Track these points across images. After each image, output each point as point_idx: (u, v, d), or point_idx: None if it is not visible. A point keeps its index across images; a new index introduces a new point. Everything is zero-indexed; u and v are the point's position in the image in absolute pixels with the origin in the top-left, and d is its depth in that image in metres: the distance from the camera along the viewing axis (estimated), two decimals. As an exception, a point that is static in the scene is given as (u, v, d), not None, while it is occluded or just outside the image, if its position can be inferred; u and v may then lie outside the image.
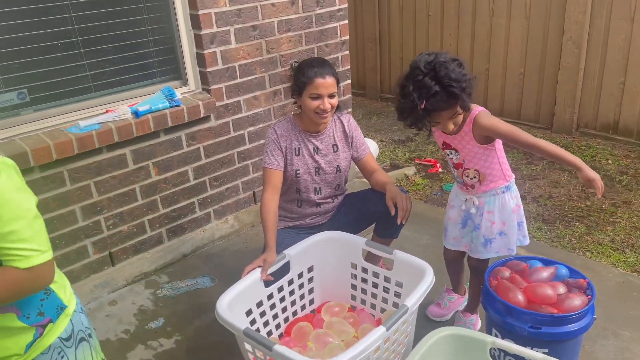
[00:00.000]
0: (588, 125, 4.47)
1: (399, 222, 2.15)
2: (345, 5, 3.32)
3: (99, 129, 2.44)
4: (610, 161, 4.00)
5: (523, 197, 2.99)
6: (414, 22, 5.46)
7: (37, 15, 2.35)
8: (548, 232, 3.14)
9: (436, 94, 1.75)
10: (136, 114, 2.54)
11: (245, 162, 3.12)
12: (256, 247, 3.04)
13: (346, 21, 3.36)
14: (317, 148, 2.33)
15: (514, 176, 2.08)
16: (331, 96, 2.18)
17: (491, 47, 4.88)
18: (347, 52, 3.45)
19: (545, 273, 1.91)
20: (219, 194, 3.07)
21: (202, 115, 2.78)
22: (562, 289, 1.83)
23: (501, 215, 2.03)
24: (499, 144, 1.99)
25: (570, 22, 4.26)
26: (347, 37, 3.40)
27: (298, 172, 2.32)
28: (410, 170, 4.11)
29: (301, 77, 2.19)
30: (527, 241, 2.12)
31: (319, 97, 2.16)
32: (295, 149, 2.30)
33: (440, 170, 4.15)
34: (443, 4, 5.13)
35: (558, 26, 4.36)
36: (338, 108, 2.30)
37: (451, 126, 1.88)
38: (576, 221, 3.27)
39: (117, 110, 2.54)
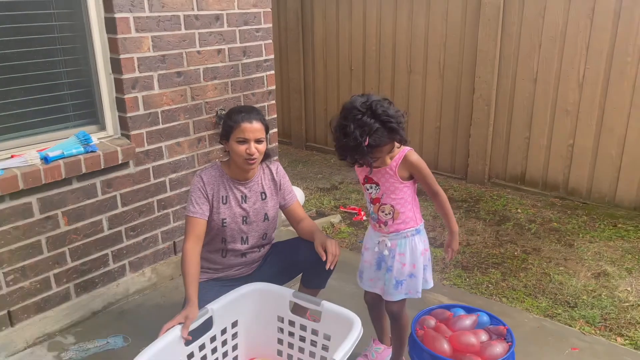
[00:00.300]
0: (499, 176, 4.77)
1: (327, 268, 2.12)
2: (272, 57, 3.37)
3: (2, 175, 2.23)
4: (519, 210, 4.26)
5: (443, 245, 3.08)
6: (337, 76, 5.66)
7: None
8: (467, 279, 3.24)
9: (377, 130, 1.84)
10: (45, 159, 2.37)
11: (165, 211, 2.99)
12: (175, 301, 2.87)
13: (273, 71, 3.40)
14: (245, 196, 2.27)
15: (423, 221, 2.18)
16: (258, 141, 2.16)
17: (409, 102, 5.14)
18: (274, 102, 3.47)
19: (468, 321, 1.94)
20: (135, 245, 2.89)
21: (120, 162, 2.64)
22: (484, 337, 1.87)
23: (411, 257, 2.11)
24: (414, 186, 2.10)
25: (480, 81, 4.60)
26: (273, 87, 3.43)
27: (225, 221, 2.24)
28: (335, 218, 4.13)
29: (229, 121, 2.17)
30: (430, 285, 2.18)
31: (245, 141, 2.14)
32: (222, 197, 2.24)
33: (364, 218, 4.21)
34: (364, 60, 5.38)
35: (469, 84, 4.70)
36: (267, 156, 2.28)
37: (389, 161, 1.98)
38: (492, 268, 3.41)
39: (23, 155, 2.35)
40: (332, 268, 2.15)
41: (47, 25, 2.49)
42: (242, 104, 3.23)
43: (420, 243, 2.12)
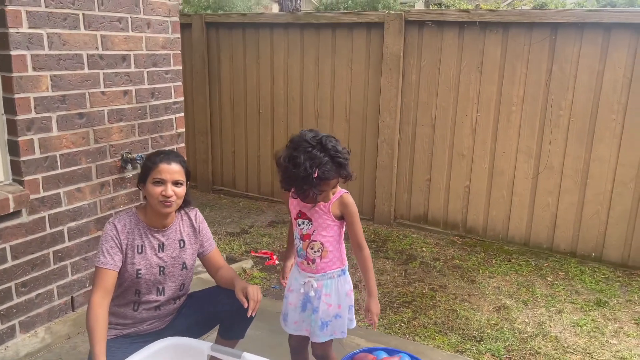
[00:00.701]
0: (403, 216, 4.98)
1: (249, 315, 2.04)
2: (182, 99, 3.29)
3: None
4: (424, 249, 4.45)
5: (355, 286, 3.12)
6: (245, 119, 5.66)
7: None
8: (381, 319, 3.29)
9: (326, 163, 1.91)
10: None
11: (63, 263, 2.73)
12: (73, 363, 2.59)
13: (182, 114, 3.32)
14: (162, 244, 2.15)
15: (347, 263, 2.23)
16: (176, 183, 2.07)
17: (317, 145, 5.24)
18: (183, 144, 3.37)
19: (391, 363, 1.96)
20: (27, 302, 2.60)
21: (11, 210, 2.39)
22: (408, 379, 1.89)
23: (338, 298, 2.15)
24: (342, 228, 2.15)
25: (383, 126, 4.83)
26: (183, 130, 3.34)
27: (140, 271, 2.09)
28: (247, 264, 4.03)
29: (147, 162, 2.09)
30: (354, 324, 2.24)
31: (161, 182, 2.04)
32: (137, 246, 2.09)
33: (277, 262, 4.15)
34: (273, 103, 5.44)
35: (374, 129, 4.91)
36: (187, 203, 2.19)
37: (330, 195, 2.02)
38: (403, 307, 3.49)
39: None
40: (253, 315, 2.08)
41: None
42: (150, 147, 3.10)
43: (346, 284, 2.17)
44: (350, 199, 2.10)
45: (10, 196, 2.37)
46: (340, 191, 2.10)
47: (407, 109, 4.75)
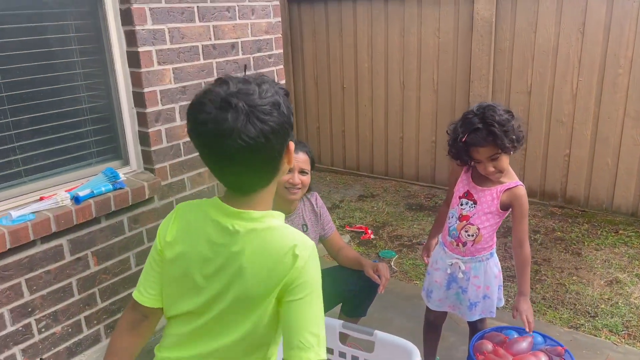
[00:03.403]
0: (497, 187, 4.87)
1: (379, 291, 2.14)
2: (284, 81, 3.37)
3: (34, 219, 2.15)
4: (522, 220, 4.35)
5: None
6: (328, 93, 5.69)
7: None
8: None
9: (477, 130, 1.92)
10: (76, 199, 2.29)
11: (188, 243, 2.93)
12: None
13: (284, 81, 3.39)
14: None
15: (495, 246, 2.22)
16: (302, 172, 2.16)
17: (404, 117, 5.22)
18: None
19: (525, 343, 1.97)
20: (160, 280, 2.82)
21: (146, 197, 2.58)
22: (544, 359, 1.90)
23: (485, 280, 2.16)
24: (501, 221, 2.13)
25: (474, 95, 4.70)
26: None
27: None
28: (344, 239, 4.13)
29: None
30: (502, 303, 2.27)
31: (289, 170, 2.13)
32: None
33: (372, 236, 4.22)
34: (357, 77, 5.43)
35: (464, 99, 4.80)
36: (308, 189, 2.27)
37: (491, 168, 1.99)
38: (507, 281, 3.46)
39: (53, 197, 2.27)
40: (382, 292, 2.16)
41: (70, 61, 2.43)
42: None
43: (495, 267, 2.18)
44: (522, 192, 2.05)
45: (145, 184, 2.56)
46: (515, 182, 2.07)
47: (500, 76, 4.59)
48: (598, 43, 4.08)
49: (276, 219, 1.25)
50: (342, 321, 2.17)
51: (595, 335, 2.84)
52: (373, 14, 5.13)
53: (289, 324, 1.18)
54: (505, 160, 1.99)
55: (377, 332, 2.07)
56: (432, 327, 2.41)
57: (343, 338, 2.28)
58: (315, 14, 5.50)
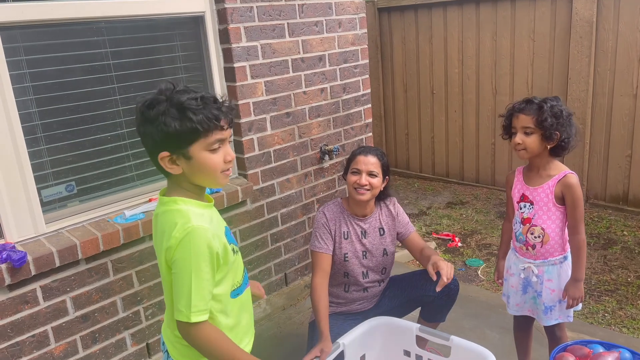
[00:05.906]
0: (597, 196, 4.59)
1: (437, 289, 2.06)
2: (369, 91, 3.47)
3: (144, 218, 2.44)
4: (625, 232, 4.07)
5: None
6: (417, 100, 5.69)
7: (88, 110, 2.42)
8: (582, 308, 3.13)
9: (530, 101, 2.00)
10: (179, 201, 2.56)
11: (277, 244, 3.13)
12: (290, 332, 2.98)
13: (369, 105, 3.50)
14: (365, 231, 2.35)
15: (569, 250, 2.16)
16: (371, 174, 2.24)
17: (496, 123, 5.08)
18: (371, 134, 3.56)
19: (610, 358, 1.89)
20: (252, 278, 3.03)
21: (240, 200, 2.81)
22: (631, 376, 1.82)
23: (560, 283, 2.12)
24: (565, 215, 2.09)
25: (572, 98, 4.48)
26: (370, 120, 3.53)
27: (347, 255, 2.33)
28: (430, 245, 4.12)
29: (349, 156, 2.33)
30: (579, 307, 2.19)
31: (358, 172, 2.24)
32: (344, 232, 2.33)
33: (459, 244, 4.18)
34: (447, 83, 5.38)
35: (561, 103, 4.58)
36: (386, 196, 2.36)
37: (519, 140, 2.00)
38: (605, 295, 3.28)
39: (159, 198, 2.55)
40: (438, 290, 2.08)
41: (176, 77, 2.71)
42: (343, 139, 3.34)
43: (570, 270, 2.13)
44: (574, 180, 2.03)
45: (239, 188, 2.79)
46: (564, 171, 2.05)
47: (601, 78, 4.34)
48: None
49: (179, 205, 1.44)
50: (419, 325, 2.22)
51: None
52: (464, 19, 5.07)
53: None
54: (535, 141, 1.99)
55: (453, 337, 2.10)
56: (518, 331, 2.40)
57: (423, 342, 2.33)
58: (405, 21, 5.55)
